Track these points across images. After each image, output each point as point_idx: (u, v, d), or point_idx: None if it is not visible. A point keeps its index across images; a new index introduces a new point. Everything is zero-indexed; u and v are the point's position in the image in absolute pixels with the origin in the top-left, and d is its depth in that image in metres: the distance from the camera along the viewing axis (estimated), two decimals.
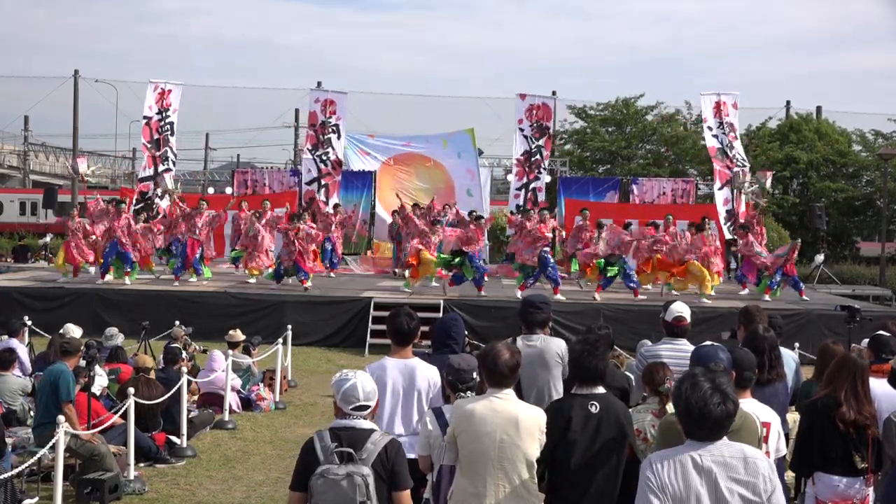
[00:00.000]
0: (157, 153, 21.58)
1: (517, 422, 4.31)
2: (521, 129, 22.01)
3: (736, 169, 19.93)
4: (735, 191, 19.92)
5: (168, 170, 21.91)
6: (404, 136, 24.81)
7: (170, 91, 21.74)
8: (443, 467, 4.55)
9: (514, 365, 4.44)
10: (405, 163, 23.85)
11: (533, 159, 21.90)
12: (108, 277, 17.06)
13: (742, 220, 18.36)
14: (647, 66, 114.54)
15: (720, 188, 20.41)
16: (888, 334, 6.23)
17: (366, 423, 3.90)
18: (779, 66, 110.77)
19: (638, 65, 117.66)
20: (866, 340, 6.53)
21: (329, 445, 3.80)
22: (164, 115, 21.65)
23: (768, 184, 20.67)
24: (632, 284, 16.61)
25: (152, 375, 8.99)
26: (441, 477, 4.56)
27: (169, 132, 21.74)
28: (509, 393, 4.42)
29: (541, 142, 22.02)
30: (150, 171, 21.78)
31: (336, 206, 20.65)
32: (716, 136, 20.40)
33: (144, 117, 21.91)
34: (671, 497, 3.36)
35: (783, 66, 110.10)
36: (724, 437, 3.45)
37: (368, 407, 3.92)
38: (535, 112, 22.02)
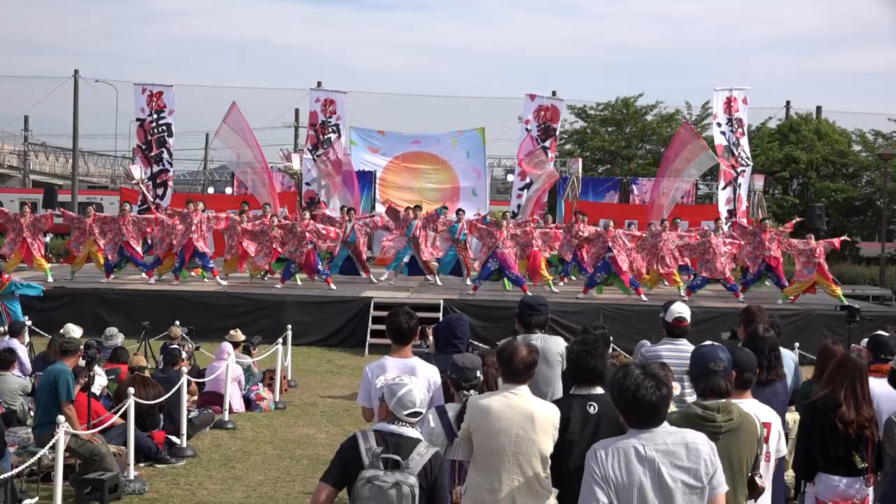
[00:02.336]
0: (151, 154, 21.61)
1: (532, 417, 4.34)
2: (528, 130, 22.02)
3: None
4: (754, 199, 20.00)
5: (164, 171, 21.94)
6: (414, 134, 24.73)
7: (160, 93, 21.71)
8: (445, 463, 4.57)
9: (531, 362, 4.48)
10: (413, 161, 23.76)
11: (537, 160, 21.89)
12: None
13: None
14: (647, 66, 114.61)
15: (723, 188, 20.40)
16: (886, 334, 6.23)
17: (413, 432, 3.90)
18: (779, 66, 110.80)
19: (638, 65, 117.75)
20: (865, 340, 6.53)
21: (374, 448, 3.77)
22: (157, 116, 21.65)
23: (759, 186, 20.66)
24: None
25: (147, 374, 8.98)
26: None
27: (166, 133, 21.74)
28: (524, 389, 4.45)
29: (546, 143, 22.04)
30: (147, 173, 21.84)
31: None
32: (723, 133, 20.37)
33: (137, 119, 21.99)
34: (614, 487, 3.41)
35: (783, 66, 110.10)
36: (665, 424, 3.51)
37: (421, 413, 3.93)
38: (542, 113, 22.03)
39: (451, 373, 5.03)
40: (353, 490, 3.75)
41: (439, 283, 18.08)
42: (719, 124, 20.57)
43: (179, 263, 17.26)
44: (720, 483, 3.48)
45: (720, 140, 20.42)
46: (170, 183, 22.38)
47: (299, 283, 17.53)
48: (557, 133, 23.34)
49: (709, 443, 3.53)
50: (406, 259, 18.23)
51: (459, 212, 18.76)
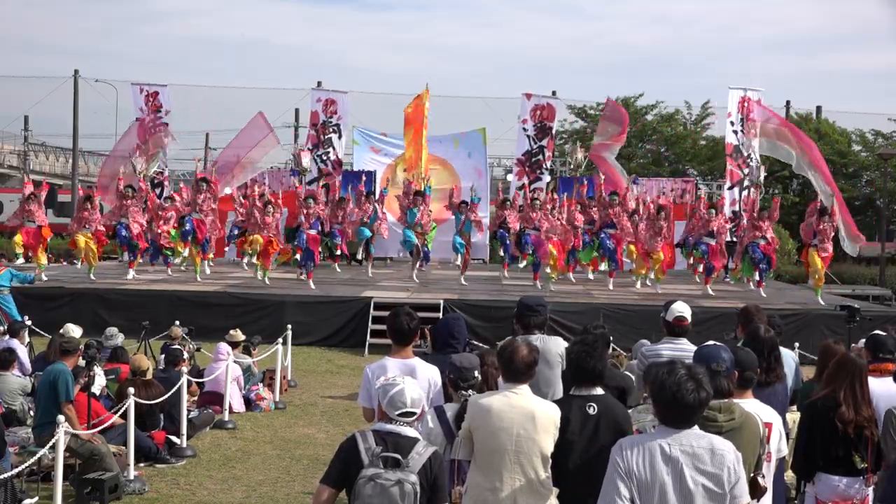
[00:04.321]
0: (149, 154, 21.60)
1: (534, 417, 4.34)
2: (525, 129, 22.01)
3: (753, 165, 19.94)
4: (750, 186, 19.77)
5: (161, 171, 21.95)
6: None
7: (156, 93, 21.76)
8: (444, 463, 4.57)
9: (532, 361, 4.49)
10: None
11: (534, 159, 21.89)
12: None
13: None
14: (647, 66, 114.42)
15: (730, 188, 20.35)
16: (884, 334, 6.22)
17: (411, 431, 3.89)
18: (779, 66, 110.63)
19: (638, 65, 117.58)
20: (863, 340, 6.52)
21: (374, 448, 3.77)
22: (155, 116, 21.70)
23: (762, 177, 20.56)
24: None
25: (149, 376, 8.98)
26: None
27: (162, 133, 21.75)
28: (524, 388, 4.46)
29: (543, 142, 22.02)
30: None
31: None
32: (735, 133, 20.29)
33: (136, 119, 22.03)
34: (637, 483, 3.44)
35: (783, 66, 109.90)
36: (696, 427, 3.53)
37: (415, 414, 3.90)
38: (538, 112, 22.00)
39: (449, 373, 5.03)
40: (353, 489, 3.74)
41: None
42: (732, 123, 20.45)
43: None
44: (742, 493, 3.48)
45: (731, 139, 20.33)
46: (166, 183, 22.36)
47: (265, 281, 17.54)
48: (554, 132, 23.29)
49: (735, 451, 3.54)
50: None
51: (462, 204, 18.58)
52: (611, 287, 16.77)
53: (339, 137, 22.19)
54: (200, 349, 12.18)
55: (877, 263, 28.31)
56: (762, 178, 19.70)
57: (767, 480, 4.33)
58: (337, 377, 13.33)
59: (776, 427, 4.52)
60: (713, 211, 17.57)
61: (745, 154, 20.16)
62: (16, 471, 6.76)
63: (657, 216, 17.23)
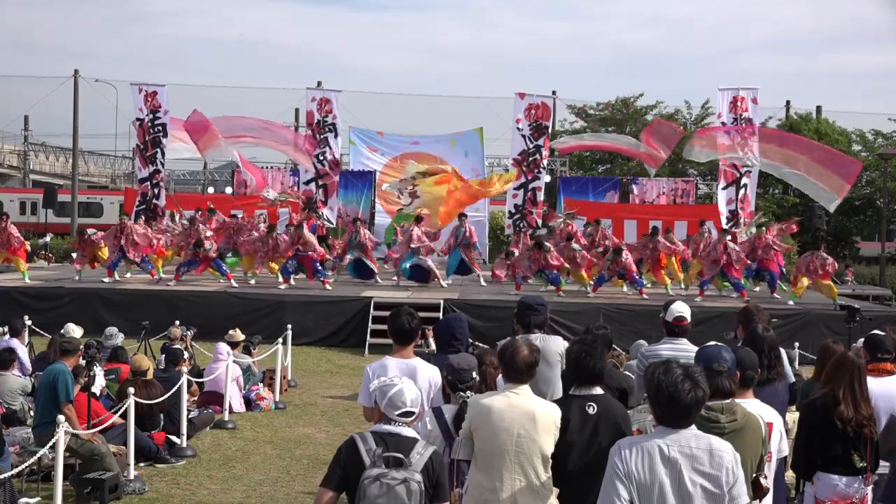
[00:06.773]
0: (147, 154, 21.67)
1: (534, 417, 4.35)
2: (519, 129, 22.00)
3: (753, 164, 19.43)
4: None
5: (157, 171, 21.95)
6: (414, 136, 24.70)
7: (154, 93, 21.78)
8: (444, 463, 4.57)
9: (533, 362, 4.49)
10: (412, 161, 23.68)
11: (531, 159, 21.88)
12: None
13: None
14: (647, 66, 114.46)
15: (724, 187, 20.33)
16: (882, 333, 6.22)
17: (410, 432, 3.89)
18: (779, 66, 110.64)
19: (637, 65, 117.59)
20: (862, 340, 6.53)
21: (375, 449, 3.76)
22: (153, 116, 21.71)
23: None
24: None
25: (149, 376, 8.97)
26: None
27: (161, 133, 21.79)
28: (525, 389, 4.46)
29: (539, 141, 22.01)
30: (145, 173, 21.89)
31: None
32: (728, 133, 20.27)
33: (136, 119, 22.04)
34: (636, 484, 3.44)
35: (783, 66, 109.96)
36: (694, 427, 3.52)
37: (414, 413, 3.90)
38: (533, 111, 21.98)
39: (446, 374, 5.01)
40: (358, 490, 3.73)
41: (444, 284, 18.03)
42: (724, 123, 20.44)
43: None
44: (741, 494, 3.48)
45: (723, 139, 20.31)
46: (162, 184, 22.35)
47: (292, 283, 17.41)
48: (550, 132, 23.25)
49: (733, 452, 3.53)
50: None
51: (462, 216, 18.71)
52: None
53: (336, 137, 22.17)
54: (193, 332, 12.06)
55: (877, 263, 28.31)
56: None
57: (769, 481, 4.33)
58: (337, 377, 13.33)
59: (777, 427, 4.52)
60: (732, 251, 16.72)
61: (742, 153, 20.12)
62: (16, 471, 6.76)
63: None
